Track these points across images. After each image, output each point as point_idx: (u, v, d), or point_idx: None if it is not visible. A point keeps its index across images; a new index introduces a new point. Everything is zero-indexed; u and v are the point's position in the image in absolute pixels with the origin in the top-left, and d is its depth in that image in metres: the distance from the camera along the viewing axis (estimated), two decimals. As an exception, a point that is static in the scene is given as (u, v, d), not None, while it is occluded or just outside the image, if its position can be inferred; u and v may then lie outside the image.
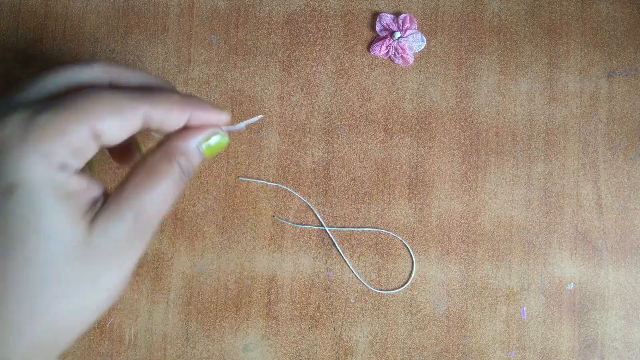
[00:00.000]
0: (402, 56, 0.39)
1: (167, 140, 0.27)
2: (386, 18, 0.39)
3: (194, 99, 0.27)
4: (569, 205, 0.39)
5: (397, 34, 0.38)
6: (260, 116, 0.32)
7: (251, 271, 0.39)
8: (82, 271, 0.23)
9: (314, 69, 0.40)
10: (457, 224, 0.39)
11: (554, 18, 0.40)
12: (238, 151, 0.40)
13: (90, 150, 0.24)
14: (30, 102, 0.24)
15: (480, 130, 0.40)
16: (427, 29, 0.41)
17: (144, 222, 0.25)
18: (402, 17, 0.39)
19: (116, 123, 0.24)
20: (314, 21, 0.41)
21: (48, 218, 0.22)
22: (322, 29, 0.41)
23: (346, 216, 0.40)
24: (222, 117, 0.28)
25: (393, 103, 0.40)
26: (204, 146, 0.28)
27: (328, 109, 0.40)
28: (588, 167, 0.40)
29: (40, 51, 0.40)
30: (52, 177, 0.22)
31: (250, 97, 0.40)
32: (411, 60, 0.39)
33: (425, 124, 0.40)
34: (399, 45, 0.39)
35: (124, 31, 0.41)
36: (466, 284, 0.39)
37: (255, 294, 0.39)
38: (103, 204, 0.25)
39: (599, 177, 0.39)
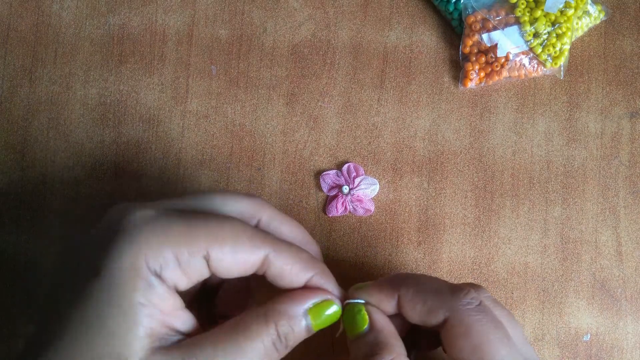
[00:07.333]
0: (362, 207, 0.37)
1: (270, 300, 0.24)
2: (329, 176, 0.37)
3: (322, 265, 0.25)
4: (587, 252, 0.38)
5: (346, 188, 0.37)
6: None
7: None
8: None
9: (319, 103, 0.38)
10: (468, 270, 0.38)
11: (574, 54, 0.39)
12: (237, 189, 0.38)
13: (197, 272, 0.23)
14: (167, 210, 0.23)
15: (495, 171, 0.38)
16: (442, 62, 0.39)
17: None
18: (344, 168, 0.37)
19: (230, 255, 0.23)
20: (321, 53, 0.39)
21: (119, 317, 0.21)
22: (329, 61, 0.39)
23: (351, 260, 0.37)
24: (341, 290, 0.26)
25: (403, 141, 0.38)
26: (313, 323, 0.24)
27: (334, 146, 0.38)
28: (608, 212, 0.38)
29: (29, 79, 0.38)
30: (142, 277, 0.21)
31: (251, 132, 0.38)
32: (372, 207, 0.37)
33: (436, 163, 0.38)
34: (353, 198, 0.37)
35: (119, 60, 0.38)
36: (478, 335, 0.37)
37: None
38: (178, 342, 0.22)
39: (619, 223, 0.38)
